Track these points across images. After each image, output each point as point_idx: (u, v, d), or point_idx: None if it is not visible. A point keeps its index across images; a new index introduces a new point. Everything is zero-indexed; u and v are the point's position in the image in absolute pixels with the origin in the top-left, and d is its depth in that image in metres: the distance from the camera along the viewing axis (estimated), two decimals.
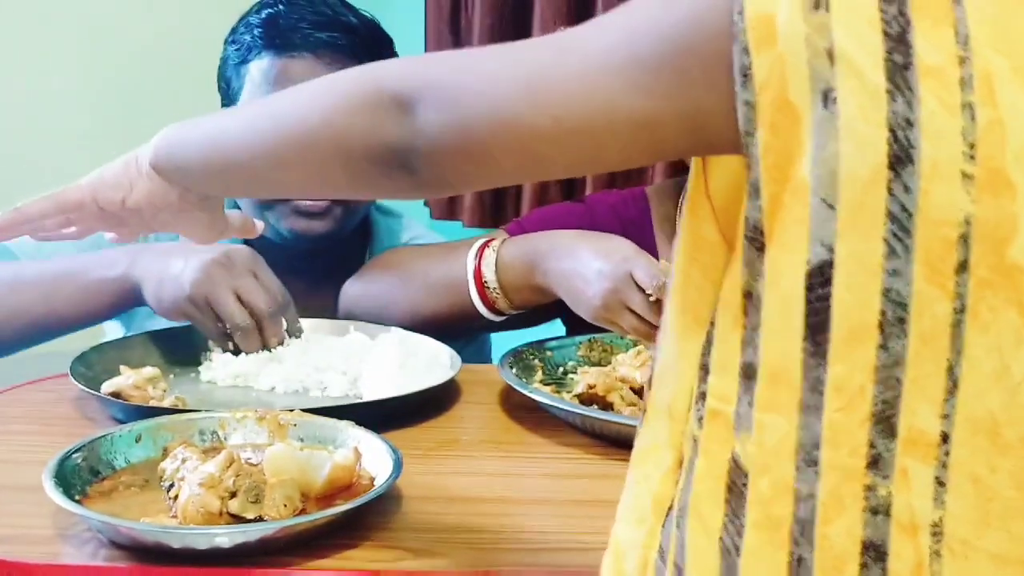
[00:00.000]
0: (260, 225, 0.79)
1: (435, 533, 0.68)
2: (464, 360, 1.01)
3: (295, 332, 1.05)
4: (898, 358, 0.40)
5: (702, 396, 0.45)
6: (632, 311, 0.92)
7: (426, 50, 1.80)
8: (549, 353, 1.07)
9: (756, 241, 0.42)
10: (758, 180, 0.42)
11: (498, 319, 1.08)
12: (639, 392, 0.93)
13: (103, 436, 0.74)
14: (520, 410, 0.94)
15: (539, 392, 0.92)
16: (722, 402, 0.44)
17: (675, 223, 1.31)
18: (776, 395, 0.42)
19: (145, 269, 1.00)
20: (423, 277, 1.11)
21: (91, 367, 0.95)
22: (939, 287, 0.39)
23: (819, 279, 0.40)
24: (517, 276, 1.04)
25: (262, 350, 1.01)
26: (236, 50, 1.16)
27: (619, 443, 0.85)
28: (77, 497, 0.68)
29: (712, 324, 0.45)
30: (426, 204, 1.85)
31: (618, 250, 0.95)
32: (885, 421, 0.40)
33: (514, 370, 0.97)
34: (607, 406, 0.91)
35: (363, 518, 0.68)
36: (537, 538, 0.69)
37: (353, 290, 1.16)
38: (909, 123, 0.39)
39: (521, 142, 0.48)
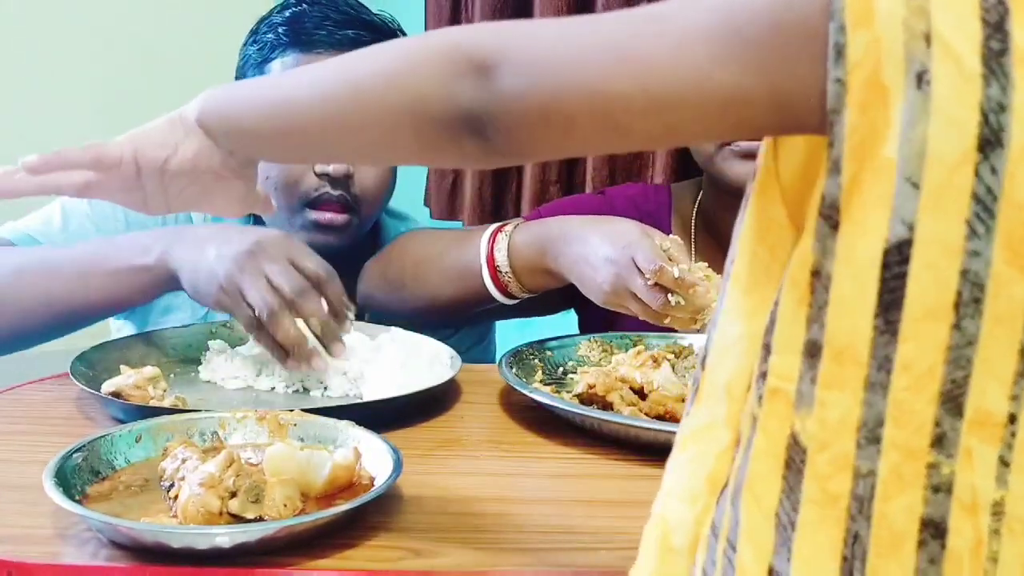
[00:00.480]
0: (273, 204, 0.77)
1: (435, 533, 0.68)
2: (470, 360, 1.01)
3: (341, 311, 0.99)
4: (971, 338, 0.40)
5: (763, 375, 0.45)
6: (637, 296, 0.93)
7: None
8: (549, 353, 1.07)
9: (831, 219, 0.42)
10: (840, 158, 0.42)
11: (511, 302, 1.09)
12: (639, 392, 0.93)
13: (103, 436, 0.74)
14: (520, 410, 0.94)
15: (539, 392, 0.92)
16: (783, 380, 0.44)
17: (690, 221, 1.31)
18: (841, 372, 0.42)
19: (181, 258, 0.99)
20: (438, 260, 1.12)
21: (92, 366, 0.95)
22: (1019, 269, 0.40)
23: (896, 257, 0.41)
24: (528, 260, 1.05)
25: (300, 349, 0.96)
26: (258, 49, 1.16)
27: (619, 443, 0.85)
28: (77, 497, 0.68)
29: (776, 304, 0.45)
30: (426, 204, 1.85)
31: (624, 235, 0.95)
32: (953, 401, 0.41)
33: (514, 370, 0.97)
34: (607, 406, 0.91)
35: (363, 518, 0.68)
36: (537, 538, 0.69)
37: (371, 272, 1.17)
38: (1002, 107, 0.39)
39: (606, 110, 0.48)
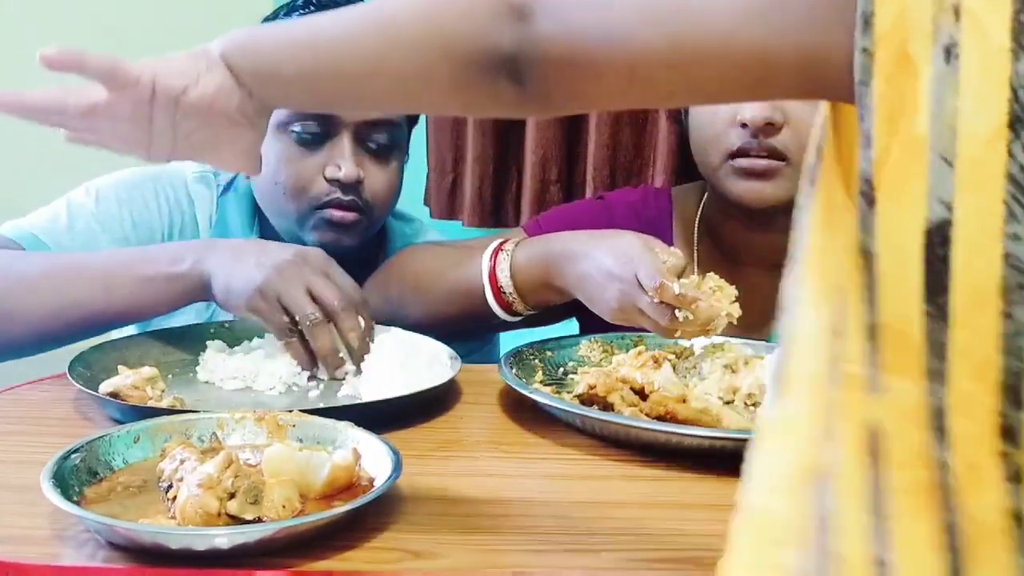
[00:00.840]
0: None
1: (435, 533, 0.68)
2: (473, 362, 1.01)
3: (371, 332, 1.02)
4: (1021, 327, 0.39)
5: (837, 359, 0.44)
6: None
7: None
8: (549, 353, 1.07)
9: (867, 195, 0.41)
10: (870, 130, 0.41)
11: (514, 320, 1.09)
12: (640, 393, 0.92)
13: (101, 437, 0.74)
14: (520, 410, 0.94)
15: (539, 392, 0.91)
16: (854, 364, 0.43)
17: (693, 228, 1.30)
18: (900, 358, 0.41)
19: (216, 264, 0.99)
20: (439, 280, 1.11)
21: (89, 367, 0.95)
22: None
23: (939, 238, 0.39)
24: (532, 279, 1.04)
25: (333, 358, 0.99)
26: None
27: (619, 443, 0.85)
28: (75, 498, 0.67)
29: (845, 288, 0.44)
30: (426, 203, 1.85)
31: (626, 251, 0.95)
32: (1014, 392, 0.39)
33: (514, 370, 0.97)
34: (607, 406, 0.90)
35: (363, 518, 0.68)
36: (537, 539, 0.69)
37: (372, 291, 1.15)
38: None
39: (632, 62, 0.48)
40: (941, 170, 0.39)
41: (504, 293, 1.05)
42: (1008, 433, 0.39)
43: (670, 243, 1.18)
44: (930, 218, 0.39)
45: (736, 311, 0.90)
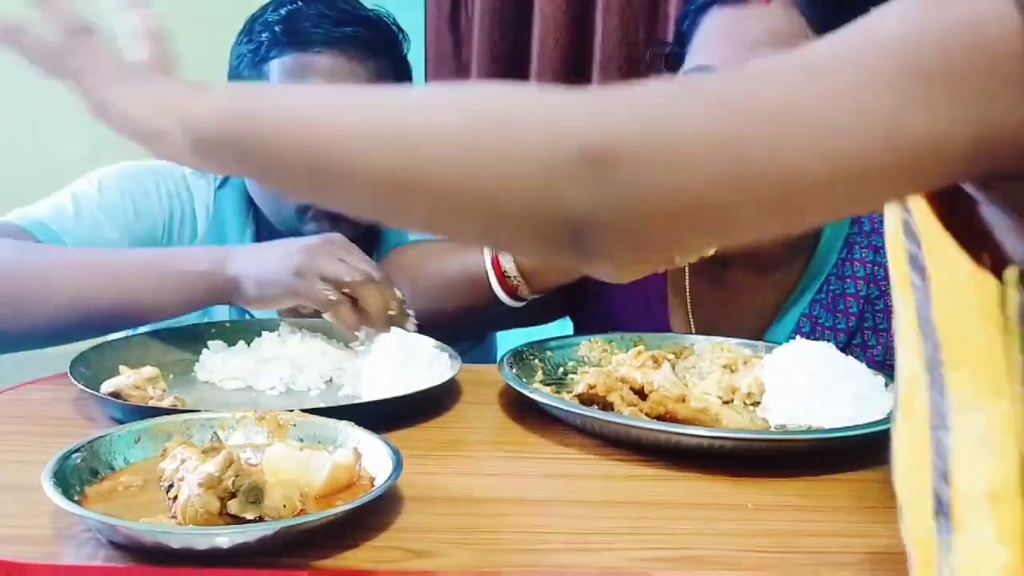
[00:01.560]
0: None
1: (435, 533, 0.68)
2: (469, 362, 1.01)
3: (401, 307, 1.04)
4: None
5: None
6: None
7: (426, 49, 1.79)
8: (549, 353, 1.07)
9: None
10: None
11: (520, 304, 1.10)
12: (639, 392, 0.92)
13: (102, 436, 0.74)
14: (520, 410, 0.94)
15: (539, 392, 0.91)
16: None
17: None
18: None
19: (243, 264, 1.01)
20: (438, 275, 1.12)
21: (90, 367, 0.95)
22: None
23: None
24: (537, 260, 1.04)
25: (383, 316, 1.01)
26: (254, 49, 1.16)
27: (619, 443, 0.85)
28: (76, 497, 0.67)
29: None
30: None
31: None
32: None
33: (514, 370, 0.97)
34: (607, 406, 0.90)
35: (363, 518, 0.68)
36: (537, 538, 0.69)
37: None
38: None
39: (778, 193, 0.39)
40: None
41: (508, 277, 1.05)
42: None
43: None
44: None
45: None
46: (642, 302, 1.17)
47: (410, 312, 1.04)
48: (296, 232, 1.15)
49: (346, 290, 0.99)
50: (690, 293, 1.17)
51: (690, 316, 1.16)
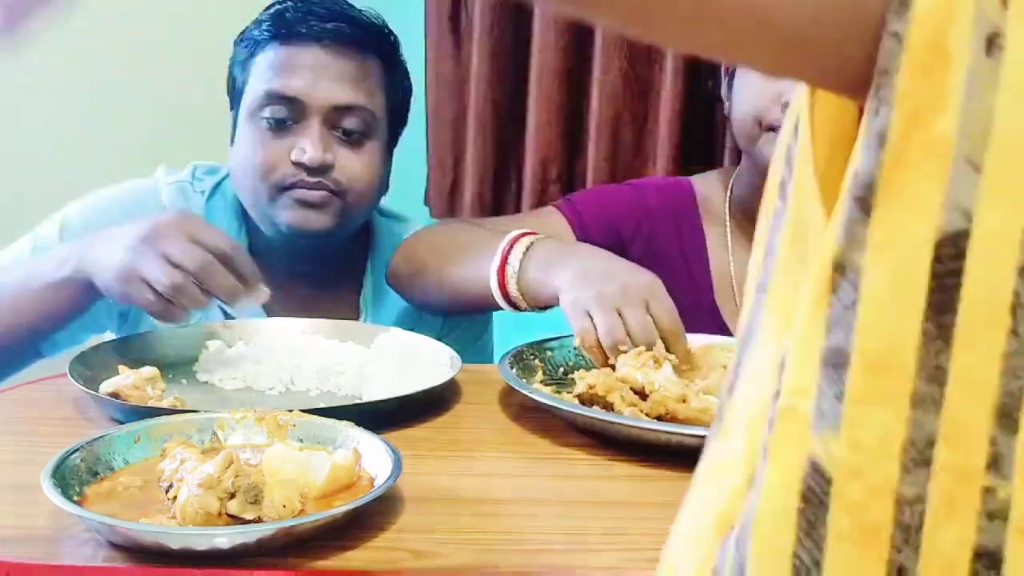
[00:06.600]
0: None
1: (435, 533, 0.68)
2: (465, 361, 1.01)
3: (251, 282, 1.00)
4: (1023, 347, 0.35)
5: (775, 395, 0.39)
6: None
7: (426, 49, 1.79)
8: (549, 353, 1.06)
9: (863, 200, 0.36)
10: (886, 129, 0.36)
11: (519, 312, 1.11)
12: (640, 393, 0.92)
13: (102, 436, 0.74)
14: (520, 410, 0.94)
15: (539, 392, 0.91)
16: (797, 397, 0.38)
17: (725, 205, 1.35)
18: (880, 385, 0.37)
19: (93, 263, 1.00)
20: (457, 261, 1.13)
21: (90, 367, 0.95)
22: None
23: (951, 250, 0.35)
24: (536, 284, 1.04)
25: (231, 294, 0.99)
26: (245, 47, 1.18)
27: (619, 443, 0.85)
28: (76, 498, 0.67)
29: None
30: (426, 203, 1.85)
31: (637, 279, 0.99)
32: (1008, 416, 0.36)
33: (514, 370, 0.97)
34: (607, 406, 0.90)
35: (363, 518, 0.68)
36: (538, 538, 0.69)
37: (400, 251, 1.21)
38: None
39: None
40: (965, 175, 0.35)
41: (512, 296, 1.05)
42: (996, 464, 0.36)
43: (697, 224, 1.27)
44: (943, 227, 0.35)
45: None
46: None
47: (264, 288, 1.01)
48: (273, 225, 1.16)
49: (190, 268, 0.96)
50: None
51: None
